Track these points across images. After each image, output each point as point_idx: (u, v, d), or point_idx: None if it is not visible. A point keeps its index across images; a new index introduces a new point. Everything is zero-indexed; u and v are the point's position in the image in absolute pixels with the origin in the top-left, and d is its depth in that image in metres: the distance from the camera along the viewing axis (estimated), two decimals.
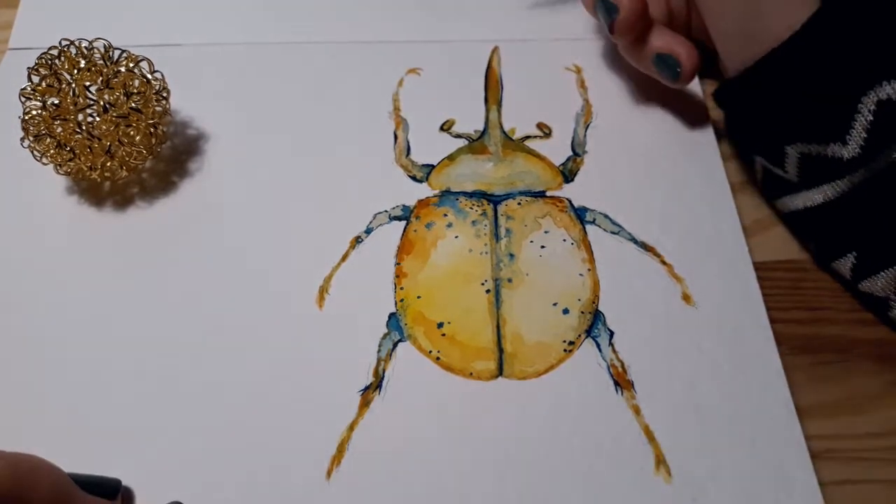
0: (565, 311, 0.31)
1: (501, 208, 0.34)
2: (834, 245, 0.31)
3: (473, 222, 0.33)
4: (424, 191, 0.34)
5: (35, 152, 0.32)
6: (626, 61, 0.36)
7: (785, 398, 0.29)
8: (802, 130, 0.30)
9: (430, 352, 0.30)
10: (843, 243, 0.31)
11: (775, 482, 0.27)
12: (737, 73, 0.32)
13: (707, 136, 0.36)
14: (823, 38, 0.29)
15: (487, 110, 0.37)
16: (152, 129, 0.33)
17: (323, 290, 0.31)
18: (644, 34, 0.34)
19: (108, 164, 0.32)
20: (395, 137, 0.36)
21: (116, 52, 0.33)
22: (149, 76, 0.33)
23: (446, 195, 0.34)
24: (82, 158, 0.32)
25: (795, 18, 0.29)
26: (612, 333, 0.30)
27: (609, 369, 0.30)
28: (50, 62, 0.32)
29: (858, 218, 0.30)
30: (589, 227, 0.33)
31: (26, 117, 0.32)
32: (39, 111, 0.32)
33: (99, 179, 0.33)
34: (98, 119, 0.32)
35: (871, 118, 0.28)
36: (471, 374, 0.30)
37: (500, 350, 0.30)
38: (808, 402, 0.29)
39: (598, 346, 0.30)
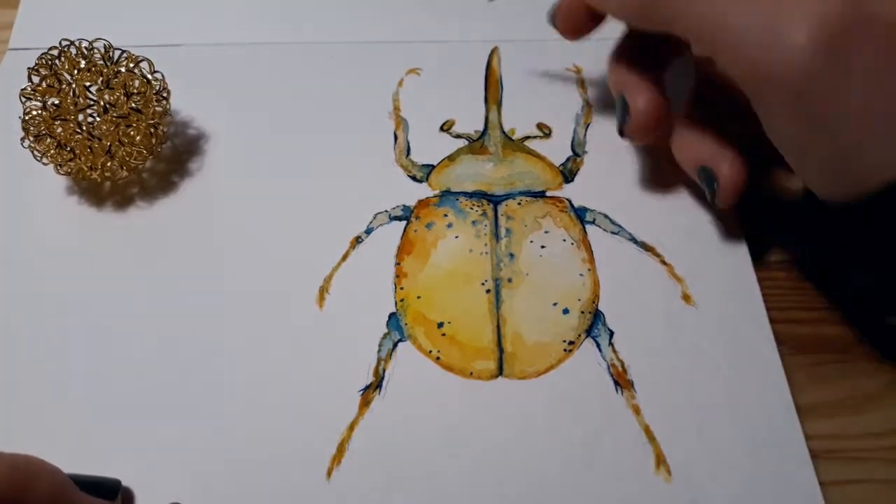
0: (565, 311, 0.31)
1: (501, 208, 0.34)
2: None
3: (473, 222, 0.33)
4: (424, 191, 0.34)
5: (35, 152, 0.32)
6: None
7: (785, 398, 0.29)
8: None
9: (431, 351, 0.30)
10: None
11: (775, 482, 0.27)
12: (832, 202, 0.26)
13: None
14: None
15: (487, 110, 0.37)
16: (152, 130, 0.33)
17: (323, 290, 0.31)
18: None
19: (109, 164, 0.32)
20: (395, 137, 0.36)
21: (117, 53, 0.33)
22: (149, 76, 0.33)
23: (446, 195, 0.34)
24: (82, 158, 0.32)
25: None
26: (612, 333, 0.30)
27: (609, 369, 0.30)
28: (50, 62, 0.32)
29: None
30: (589, 227, 0.33)
31: (26, 117, 0.32)
32: (39, 111, 0.32)
33: (99, 179, 0.33)
34: (98, 119, 0.32)
35: None
36: (471, 373, 0.30)
37: (501, 350, 0.30)
38: (809, 402, 0.29)
39: (598, 345, 0.30)
